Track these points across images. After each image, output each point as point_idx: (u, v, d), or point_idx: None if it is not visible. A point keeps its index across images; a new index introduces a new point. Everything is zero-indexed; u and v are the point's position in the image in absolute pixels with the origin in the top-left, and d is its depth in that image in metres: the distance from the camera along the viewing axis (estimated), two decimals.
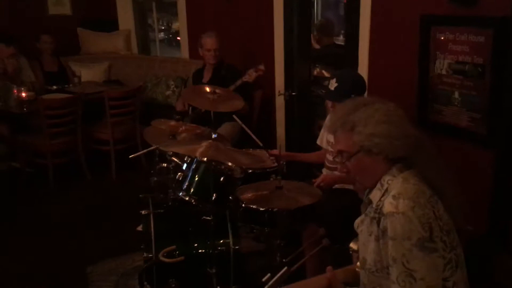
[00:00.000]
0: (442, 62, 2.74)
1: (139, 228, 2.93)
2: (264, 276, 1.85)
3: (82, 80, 5.21)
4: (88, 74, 5.52)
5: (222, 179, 2.65)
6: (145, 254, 2.58)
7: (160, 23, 10.38)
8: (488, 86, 2.51)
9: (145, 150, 3.06)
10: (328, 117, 2.87)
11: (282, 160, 2.80)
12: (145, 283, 2.62)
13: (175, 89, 5.37)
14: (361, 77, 2.79)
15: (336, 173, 2.71)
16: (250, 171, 2.79)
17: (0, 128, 4.48)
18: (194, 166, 2.67)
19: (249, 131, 3.11)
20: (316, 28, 4.90)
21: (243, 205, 2.60)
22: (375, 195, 1.61)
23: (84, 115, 4.54)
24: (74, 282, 3.12)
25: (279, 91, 4.26)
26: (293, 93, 4.20)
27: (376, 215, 1.57)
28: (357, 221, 1.73)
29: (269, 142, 4.27)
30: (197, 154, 2.29)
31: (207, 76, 4.28)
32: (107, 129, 4.70)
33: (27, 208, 4.15)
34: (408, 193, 1.50)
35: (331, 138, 2.72)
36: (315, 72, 4.66)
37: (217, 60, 4.20)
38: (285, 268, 1.76)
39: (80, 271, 3.18)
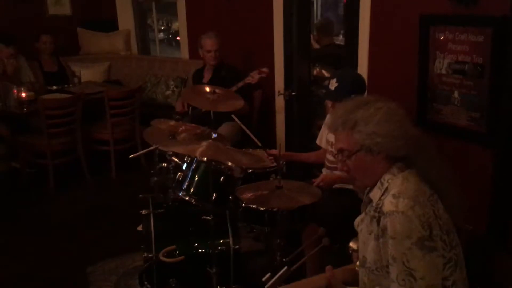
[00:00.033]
0: (442, 61, 2.74)
1: (139, 228, 2.94)
2: (264, 276, 1.85)
3: (82, 80, 5.21)
4: (88, 74, 5.52)
5: (222, 179, 2.65)
6: (145, 254, 2.58)
7: (160, 23, 10.38)
8: (488, 85, 2.51)
9: (145, 150, 3.05)
10: (328, 117, 2.87)
11: (281, 160, 2.80)
12: (146, 282, 2.62)
13: (174, 89, 5.37)
14: (361, 77, 2.80)
15: (336, 173, 2.71)
16: (250, 171, 2.79)
17: (0, 129, 4.48)
18: (194, 166, 2.67)
19: (248, 131, 3.11)
20: (315, 28, 4.91)
21: (243, 204, 2.60)
22: (375, 194, 1.61)
23: (84, 115, 4.54)
24: (74, 282, 3.12)
25: (279, 91, 4.26)
26: (293, 93, 4.20)
27: (376, 214, 1.57)
28: (357, 220, 1.73)
29: (269, 142, 4.27)
30: (197, 154, 2.29)
31: (207, 76, 4.27)
32: (107, 129, 4.70)
33: (27, 208, 4.15)
34: (408, 192, 1.51)
35: (331, 138, 2.72)
36: (314, 72, 4.66)
37: (217, 61, 4.20)
38: (285, 267, 1.76)
39: (80, 271, 3.18)
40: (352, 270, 1.73)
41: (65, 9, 6.10)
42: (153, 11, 6.50)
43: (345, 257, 1.91)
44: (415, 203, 1.47)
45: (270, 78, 4.25)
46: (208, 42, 4.13)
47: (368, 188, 1.67)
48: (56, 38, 5.12)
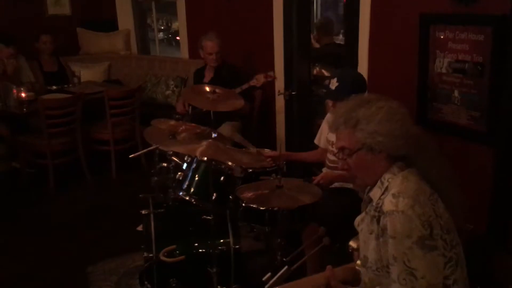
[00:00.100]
0: (442, 60, 2.74)
1: (140, 228, 2.94)
2: (264, 275, 1.85)
3: (82, 80, 5.21)
4: (87, 74, 5.52)
5: (222, 178, 2.65)
6: (145, 254, 2.58)
7: (160, 23, 10.39)
8: (488, 84, 2.51)
9: (145, 150, 3.06)
10: (327, 116, 2.87)
11: (281, 161, 2.80)
12: (146, 282, 2.62)
13: (174, 88, 5.37)
14: (362, 76, 2.79)
15: (337, 172, 2.71)
16: (250, 170, 2.79)
17: (0, 129, 4.47)
18: (194, 165, 2.67)
19: (240, 139, 3.12)
20: (315, 27, 4.91)
21: (243, 204, 2.60)
22: (375, 193, 1.61)
23: (84, 115, 4.53)
24: (74, 282, 3.12)
25: (279, 91, 4.26)
26: (293, 93, 4.20)
27: (376, 214, 1.57)
28: (358, 219, 1.73)
29: (269, 141, 4.28)
30: (197, 154, 2.29)
31: (208, 76, 4.28)
32: (107, 129, 4.70)
33: (27, 208, 4.15)
34: (408, 192, 1.51)
35: (332, 137, 2.72)
36: (314, 72, 4.67)
37: (219, 62, 4.20)
38: (286, 267, 1.77)
39: (80, 271, 3.18)
40: (352, 269, 1.73)
41: (65, 9, 6.10)
42: (153, 11, 6.51)
43: (346, 257, 1.91)
44: (415, 202, 1.47)
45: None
46: (209, 45, 4.13)
47: (368, 187, 1.67)
48: (56, 38, 5.12)
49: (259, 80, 3.91)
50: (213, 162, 2.52)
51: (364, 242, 1.65)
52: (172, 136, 2.97)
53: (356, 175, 1.66)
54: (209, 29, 4.41)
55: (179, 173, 2.73)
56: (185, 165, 2.76)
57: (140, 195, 2.95)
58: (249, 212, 2.61)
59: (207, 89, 3.01)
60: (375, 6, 3.21)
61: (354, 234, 1.77)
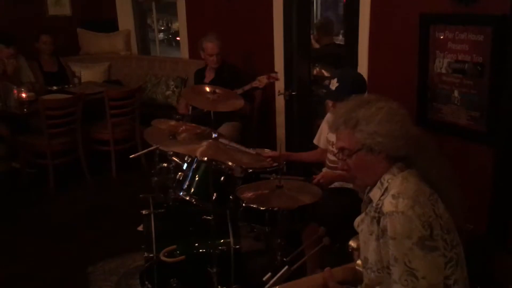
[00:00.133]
0: (442, 61, 2.74)
1: (140, 228, 2.94)
2: (265, 275, 1.85)
3: (82, 80, 5.21)
4: (88, 74, 5.52)
5: (222, 178, 2.65)
6: (146, 254, 2.58)
7: (160, 23, 10.39)
8: (488, 85, 2.51)
9: (145, 150, 3.06)
10: (327, 116, 2.87)
11: (281, 161, 2.80)
12: (146, 282, 2.62)
13: (175, 89, 5.37)
14: (362, 77, 2.80)
15: (337, 172, 2.71)
16: (251, 170, 2.79)
17: (0, 129, 4.48)
18: (194, 165, 2.68)
19: (237, 146, 3.12)
20: (315, 27, 4.91)
21: (243, 204, 2.60)
22: (375, 194, 1.61)
23: (84, 115, 4.54)
24: (74, 282, 3.12)
25: (279, 91, 4.26)
26: (293, 93, 4.20)
27: (376, 215, 1.57)
28: (357, 219, 1.73)
29: (269, 141, 4.28)
30: (198, 154, 2.29)
31: (209, 76, 4.28)
32: (107, 129, 4.70)
33: (27, 208, 4.15)
34: (408, 192, 1.50)
35: (332, 137, 2.72)
36: (314, 72, 4.67)
37: (219, 63, 4.21)
38: (286, 267, 1.77)
39: (80, 271, 3.18)
40: (352, 269, 1.73)
41: (65, 9, 6.10)
42: (153, 11, 6.50)
43: (346, 257, 1.91)
44: (415, 203, 1.47)
45: None
46: (210, 46, 4.13)
47: (368, 188, 1.67)
48: (56, 38, 5.12)
49: (261, 81, 3.90)
50: (213, 162, 2.53)
51: (364, 243, 1.65)
52: (172, 137, 2.98)
53: (356, 175, 1.66)
54: (209, 29, 4.42)
55: (179, 173, 2.73)
56: (185, 165, 2.76)
57: (141, 195, 2.95)
58: (249, 212, 2.62)
59: (207, 89, 3.01)
60: (375, 6, 3.21)
61: (354, 234, 1.77)
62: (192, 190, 2.63)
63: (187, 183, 2.65)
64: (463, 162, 2.68)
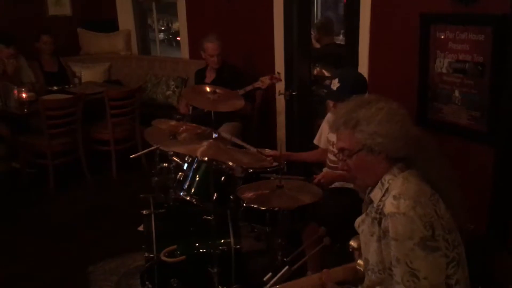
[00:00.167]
0: (442, 60, 2.74)
1: (140, 228, 2.94)
2: (265, 275, 1.85)
3: (82, 80, 5.21)
4: (88, 74, 5.52)
5: (223, 178, 2.66)
6: (146, 254, 2.58)
7: (160, 23, 10.40)
8: (488, 84, 2.51)
9: (146, 150, 3.06)
10: (328, 116, 2.87)
11: (281, 160, 2.80)
12: (147, 282, 2.62)
13: (175, 89, 5.37)
14: (363, 77, 2.79)
15: (337, 172, 2.71)
16: (251, 170, 2.79)
17: (0, 129, 4.48)
18: (195, 165, 2.68)
19: (238, 141, 3.12)
20: (316, 27, 4.91)
21: (244, 204, 2.60)
22: (376, 194, 1.61)
23: (85, 115, 4.54)
24: (74, 282, 3.12)
25: (279, 91, 4.26)
26: (294, 93, 4.20)
27: (377, 216, 1.57)
28: (358, 220, 1.73)
29: (270, 141, 4.28)
30: (198, 154, 2.29)
31: (210, 76, 4.28)
32: (108, 129, 4.70)
33: (27, 208, 4.14)
34: (409, 193, 1.50)
35: (332, 137, 2.72)
36: (315, 72, 4.67)
37: (220, 64, 4.21)
38: (287, 267, 1.77)
39: (80, 271, 3.18)
40: (353, 269, 1.73)
41: (65, 9, 6.10)
42: (153, 11, 6.51)
43: (346, 256, 1.90)
44: (416, 204, 1.47)
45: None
46: (211, 47, 4.13)
47: (369, 188, 1.66)
48: (56, 38, 5.12)
49: (264, 82, 3.90)
50: (214, 162, 2.53)
51: (365, 244, 1.65)
52: (172, 137, 2.98)
53: (356, 176, 1.65)
54: (209, 29, 4.41)
55: (179, 173, 2.73)
56: (185, 165, 2.76)
57: (141, 195, 2.95)
58: (249, 212, 2.62)
59: (208, 89, 3.01)
60: (376, 6, 3.21)
61: (354, 234, 1.77)
62: (193, 190, 2.63)
63: (187, 183, 2.65)
64: (464, 162, 2.68)
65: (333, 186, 2.78)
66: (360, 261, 1.68)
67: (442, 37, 2.72)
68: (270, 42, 4.36)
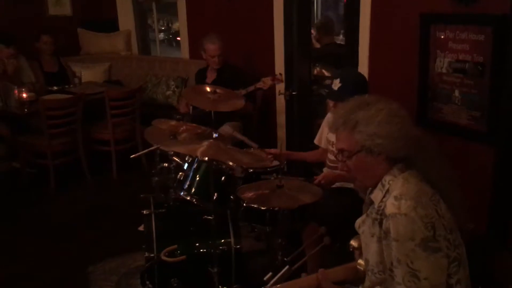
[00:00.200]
0: (442, 60, 2.74)
1: (141, 228, 2.94)
2: (265, 275, 1.85)
3: (83, 80, 5.21)
4: (88, 74, 5.52)
5: (223, 178, 2.66)
6: (146, 254, 2.58)
7: (160, 23, 10.39)
8: (488, 84, 2.51)
9: (146, 150, 3.06)
10: (327, 116, 2.87)
11: (281, 159, 2.80)
12: (147, 282, 2.62)
13: (175, 89, 5.37)
14: (364, 77, 2.79)
15: (337, 171, 2.71)
16: (251, 170, 2.79)
17: (0, 129, 4.48)
18: (195, 165, 2.68)
19: (241, 136, 3.12)
20: (316, 27, 4.91)
21: (244, 204, 2.60)
22: (376, 195, 1.61)
23: (85, 115, 4.54)
24: (74, 282, 3.12)
25: (279, 91, 4.26)
26: (294, 93, 4.19)
27: (378, 216, 1.57)
28: (358, 221, 1.73)
29: (270, 141, 4.28)
30: (198, 154, 2.29)
31: (210, 77, 4.28)
32: (108, 130, 4.70)
33: (27, 208, 4.14)
34: (410, 193, 1.50)
35: (332, 137, 2.72)
36: (315, 71, 4.67)
37: (221, 64, 4.21)
38: (287, 267, 1.77)
39: (80, 271, 3.18)
40: (353, 268, 1.73)
41: (66, 9, 6.10)
42: (154, 11, 6.51)
43: (346, 256, 1.91)
44: (417, 204, 1.47)
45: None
46: (211, 48, 4.13)
47: (369, 189, 1.66)
48: (56, 38, 5.12)
49: (266, 83, 3.90)
50: (214, 162, 2.53)
51: (365, 245, 1.65)
52: (173, 136, 2.98)
53: (356, 176, 1.66)
54: (209, 29, 4.41)
55: (180, 173, 2.74)
56: (186, 165, 2.76)
57: (141, 195, 2.95)
58: (250, 212, 2.62)
59: (208, 89, 3.01)
60: (376, 6, 3.21)
61: (354, 233, 1.77)
62: (193, 190, 2.63)
63: (187, 183, 2.65)
64: (464, 162, 2.68)
65: (333, 185, 2.78)
66: (360, 261, 1.68)
67: (442, 37, 2.72)
68: (270, 42, 4.36)
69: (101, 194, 4.47)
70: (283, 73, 4.27)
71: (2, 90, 4.39)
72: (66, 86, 4.98)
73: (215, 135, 2.94)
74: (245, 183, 2.62)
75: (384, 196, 1.57)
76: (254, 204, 2.54)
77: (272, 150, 2.97)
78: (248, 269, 2.78)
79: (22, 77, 4.78)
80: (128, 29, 6.28)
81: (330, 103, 2.70)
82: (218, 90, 2.94)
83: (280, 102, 4.40)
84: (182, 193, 2.65)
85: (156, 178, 3.21)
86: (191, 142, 2.81)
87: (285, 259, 2.27)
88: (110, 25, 6.21)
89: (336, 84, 2.60)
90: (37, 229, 3.82)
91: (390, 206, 1.50)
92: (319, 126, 3.14)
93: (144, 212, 2.70)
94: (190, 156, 2.74)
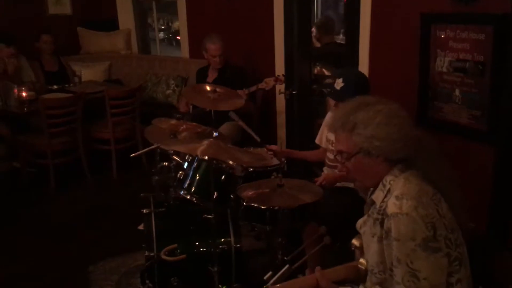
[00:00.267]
0: (443, 60, 2.74)
1: (140, 227, 2.94)
2: (265, 274, 1.85)
3: (83, 79, 5.21)
4: (88, 73, 5.52)
5: (223, 177, 2.66)
6: (146, 253, 2.58)
7: (160, 22, 10.39)
8: (489, 83, 2.51)
9: (146, 149, 3.06)
10: (328, 115, 2.87)
11: (281, 157, 2.80)
12: (147, 281, 2.62)
13: (175, 88, 5.37)
14: (366, 78, 2.80)
15: (337, 171, 2.71)
16: (251, 169, 2.79)
17: (0, 128, 4.47)
18: (195, 164, 2.68)
19: (245, 127, 3.11)
20: (316, 26, 4.90)
21: (244, 203, 2.60)
22: (377, 196, 1.60)
23: (85, 114, 4.54)
24: (74, 282, 3.11)
25: (279, 90, 4.26)
26: (294, 92, 4.19)
27: (380, 216, 1.56)
28: (360, 221, 1.72)
29: (270, 140, 4.27)
30: (198, 153, 2.29)
31: (211, 76, 4.28)
32: (108, 129, 4.70)
33: (27, 208, 4.14)
34: (411, 193, 1.50)
35: (331, 136, 2.72)
36: (315, 71, 4.66)
37: (222, 64, 4.21)
38: (287, 266, 1.76)
39: (81, 271, 3.18)
40: (354, 267, 1.72)
41: (66, 8, 6.10)
42: (154, 11, 6.51)
43: (347, 256, 1.90)
44: (419, 204, 1.46)
45: (270, 77, 4.24)
46: (213, 48, 4.13)
47: (371, 189, 1.66)
48: (56, 37, 5.12)
49: (268, 83, 3.90)
50: (214, 161, 2.52)
51: (366, 245, 1.65)
52: (173, 135, 2.98)
53: (356, 177, 1.66)
54: (209, 28, 4.41)
55: (180, 172, 2.74)
56: (186, 164, 2.76)
57: (141, 194, 2.95)
58: (250, 211, 2.62)
59: (208, 88, 3.01)
60: (376, 6, 3.21)
61: (355, 233, 1.77)
62: (193, 189, 2.63)
63: (187, 182, 2.65)
64: (464, 161, 2.68)
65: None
66: (362, 260, 1.67)
67: (443, 36, 2.72)
68: (271, 41, 4.36)
69: (101, 193, 4.47)
70: (283, 72, 4.28)
71: (2, 89, 4.39)
72: (66, 85, 4.98)
73: (215, 134, 2.94)
74: (245, 182, 2.62)
75: (385, 196, 1.57)
76: (254, 203, 2.54)
77: (273, 147, 2.97)
78: (248, 268, 2.78)
79: (22, 76, 4.78)
80: (128, 28, 6.28)
81: (331, 102, 2.69)
82: (218, 89, 2.94)
83: (281, 101, 4.40)
84: (182, 192, 2.65)
85: (156, 177, 3.21)
86: (191, 141, 2.81)
87: (285, 258, 2.27)
88: (110, 24, 6.21)
89: (339, 84, 2.60)
90: (37, 229, 3.82)
91: (392, 206, 1.49)
92: (319, 125, 3.14)
93: (144, 211, 2.70)
94: (190, 155, 2.74)
